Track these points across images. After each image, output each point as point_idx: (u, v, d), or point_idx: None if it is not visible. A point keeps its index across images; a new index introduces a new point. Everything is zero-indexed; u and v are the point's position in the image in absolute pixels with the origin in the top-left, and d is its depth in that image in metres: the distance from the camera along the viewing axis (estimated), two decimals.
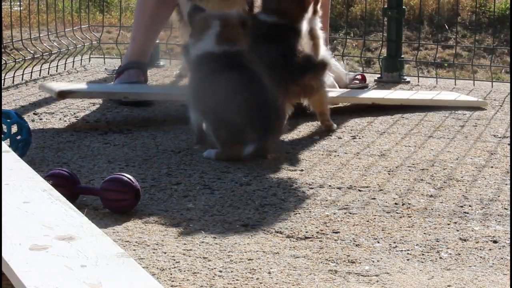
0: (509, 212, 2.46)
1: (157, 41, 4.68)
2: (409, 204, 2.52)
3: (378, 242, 2.23)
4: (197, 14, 3.03)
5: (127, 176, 2.42)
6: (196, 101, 2.98)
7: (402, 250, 2.18)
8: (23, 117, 2.93)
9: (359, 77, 4.09)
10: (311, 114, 3.57)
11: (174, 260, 2.08)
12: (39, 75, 4.32)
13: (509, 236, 2.28)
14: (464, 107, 3.72)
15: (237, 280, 1.97)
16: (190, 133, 3.27)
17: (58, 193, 1.98)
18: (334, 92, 3.68)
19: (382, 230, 2.32)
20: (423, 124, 3.47)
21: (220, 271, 2.02)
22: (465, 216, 2.43)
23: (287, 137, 3.24)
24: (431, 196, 2.60)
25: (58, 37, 4.90)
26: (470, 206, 2.51)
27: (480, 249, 2.19)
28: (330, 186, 2.68)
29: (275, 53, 3.14)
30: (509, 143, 3.19)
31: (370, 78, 4.36)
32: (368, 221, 2.38)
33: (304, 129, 3.36)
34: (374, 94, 3.80)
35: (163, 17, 3.92)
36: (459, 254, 2.16)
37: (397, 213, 2.45)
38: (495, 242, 2.24)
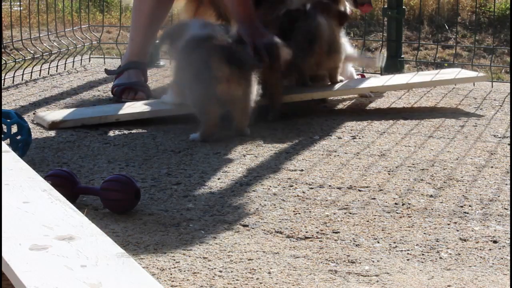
0: (509, 212, 2.46)
1: (157, 41, 4.68)
2: (409, 204, 2.52)
3: (378, 242, 2.23)
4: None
5: (127, 176, 2.42)
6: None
7: (402, 250, 2.18)
8: (23, 117, 2.93)
9: (359, 77, 4.09)
10: (310, 114, 3.57)
11: (174, 260, 2.08)
12: (39, 75, 4.32)
13: (509, 236, 2.28)
14: (465, 83, 3.72)
15: (237, 280, 1.97)
16: (190, 133, 3.27)
17: (58, 193, 1.98)
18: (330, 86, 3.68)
19: (382, 230, 2.32)
20: (423, 124, 3.47)
21: (220, 271, 2.02)
22: (465, 216, 2.43)
23: (287, 137, 3.24)
24: (431, 196, 2.60)
25: (58, 37, 4.90)
26: (470, 206, 2.51)
27: (480, 249, 2.19)
28: (330, 186, 2.68)
29: None
30: (509, 143, 3.19)
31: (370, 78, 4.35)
32: (368, 221, 2.38)
33: (304, 129, 3.36)
34: (372, 83, 3.79)
35: (160, 16, 3.92)
36: (459, 254, 2.16)
37: (397, 213, 2.45)
38: (495, 242, 2.24)
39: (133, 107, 3.54)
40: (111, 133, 3.26)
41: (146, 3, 3.87)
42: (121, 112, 3.46)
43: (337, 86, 3.67)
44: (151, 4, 3.86)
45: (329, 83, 3.69)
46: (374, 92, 3.85)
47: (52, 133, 3.25)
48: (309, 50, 3.56)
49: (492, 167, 2.90)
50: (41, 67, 4.37)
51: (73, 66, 4.59)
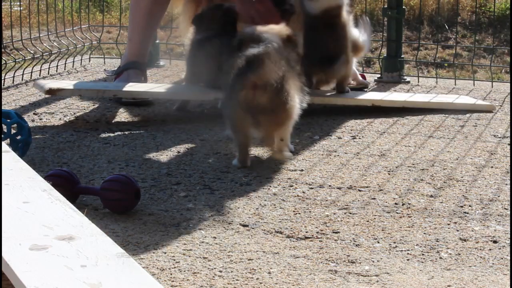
0: (509, 212, 2.46)
1: (157, 41, 4.68)
2: (409, 204, 2.52)
3: (378, 242, 2.23)
4: None
5: (127, 176, 2.42)
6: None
7: (402, 250, 2.18)
8: (23, 117, 2.93)
9: (361, 78, 4.08)
10: (310, 114, 3.57)
11: (174, 260, 2.08)
12: (39, 75, 4.32)
13: (509, 236, 2.28)
14: (464, 110, 3.72)
15: (237, 280, 1.97)
16: (190, 133, 3.27)
17: (58, 193, 1.98)
18: (333, 93, 3.68)
19: (382, 230, 2.32)
20: (423, 124, 3.47)
21: (220, 271, 2.02)
22: (465, 216, 2.43)
23: None
24: (431, 196, 2.60)
25: (58, 37, 4.90)
26: (470, 206, 2.51)
27: (480, 249, 2.19)
28: (330, 186, 2.68)
29: None
30: (509, 143, 3.19)
31: (370, 78, 4.36)
32: (368, 221, 2.38)
33: (304, 129, 3.36)
34: (372, 96, 3.80)
35: (157, 16, 3.93)
36: (459, 254, 2.16)
37: (397, 213, 2.45)
38: (495, 242, 2.24)
39: (133, 86, 3.59)
40: (111, 133, 3.26)
41: (143, 3, 3.87)
42: (120, 88, 3.52)
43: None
44: (149, 3, 3.86)
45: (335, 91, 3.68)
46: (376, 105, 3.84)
47: (52, 133, 3.25)
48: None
49: (492, 167, 2.90)
50: (41, 67, 4.37)
51: (73, 66, 4.59)
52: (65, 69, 4.50)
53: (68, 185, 2.44)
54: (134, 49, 3.91)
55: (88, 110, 3.63)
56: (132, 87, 3.59)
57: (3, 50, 4.61)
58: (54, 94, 3.48)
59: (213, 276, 1.99)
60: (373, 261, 2.10)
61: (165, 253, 2.12)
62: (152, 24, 3.93)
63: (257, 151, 3.03)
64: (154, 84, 3.73)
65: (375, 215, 2.43)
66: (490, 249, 2.19)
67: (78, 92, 3.54)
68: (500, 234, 2.29)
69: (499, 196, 2.60)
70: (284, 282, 1.96)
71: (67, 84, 3.58)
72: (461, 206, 2.51)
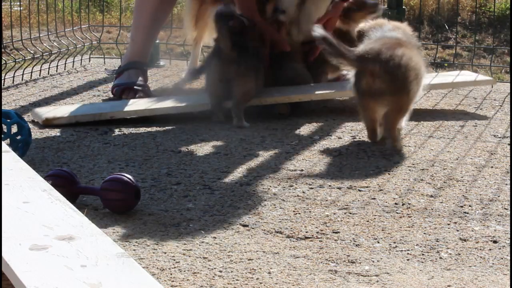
0: (509, 212, 2.46)
1: (157, 41, 4.68)
2: (409, 204, 2.52)
3: (378, 242, 2.23)
4: None
5: (127, 176, 2.42)
6: None
7: (402, 250, 2.18)
8: (23, 117, 2.93)
9: None
10: (310, 114, 3.57)
11: (174, 260, 2.08)
12: (39, 75, 4.32)
13: (509, 236, 2.28)
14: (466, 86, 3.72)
15: (237, 280, 1.97)
16: (190, 133, 3.27)
17: (58, 193, 1.98)
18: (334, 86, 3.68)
19: (382, 230, 2.32)
20: (423, 124, 3.47)
21: (220, 271, 2.02)
22: (465, 216, 2.43)
23: (287, 137, 3.24)
24: (431, 196, 2.60)
25: (58, 37, 4.90)
26: (470, 206, 2.51)
27: (480, 249, 2.19)
28: (330, 186, 2.68)
29: None
30: (509, 143, 3.19)
31: None
32: (368, 221, 2.38)
33: (304, 129, 3.36)
34: None
35: (162, 17, 3.92)
36: (459, 254, 2.16)
37: (397, 213, 2.45)
38: (495, 242, 2.24)
39: (129, 105, 3.55)
40: (111, 133, 3.26)
41: (149, 3, 3.87)
42: (116, 109, 3.48)
43: (335, 88, 3.66)
44: (154, 4, 3.86)
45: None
46: None
47: (52, 133, 3.25)
48: None
49: (492, 167, 2.90)
50: (41, 67, 4.37)
51: (73, 66, 4.59)
52: (65, 69, 4.50)
53: (68, 185, 2.44)
54: (136, 49, 3.91)
55: None
56: (128, 106, 3.53)
57: (3, 50, 4.61)
58: (51, 124, 3.39)
59: (213, 276, 1.99)
60: (373, 261, 2.11)
61: (165, 253, 2.12)
62: (156, 25, 3.92)
63: (257, 151, 3.03)
64: (149, 100, 3.66)
65: (375, 215, 2.43)
66: (490, 249, 2.19)
67: (75, 119, 3.42)
68: (500, 234, 2.29)
69: (499, 196, 2.60)
70: (284, 282, 1.97)
71: (63, 112, 3.47)
72: (461, 206, 2.51)
